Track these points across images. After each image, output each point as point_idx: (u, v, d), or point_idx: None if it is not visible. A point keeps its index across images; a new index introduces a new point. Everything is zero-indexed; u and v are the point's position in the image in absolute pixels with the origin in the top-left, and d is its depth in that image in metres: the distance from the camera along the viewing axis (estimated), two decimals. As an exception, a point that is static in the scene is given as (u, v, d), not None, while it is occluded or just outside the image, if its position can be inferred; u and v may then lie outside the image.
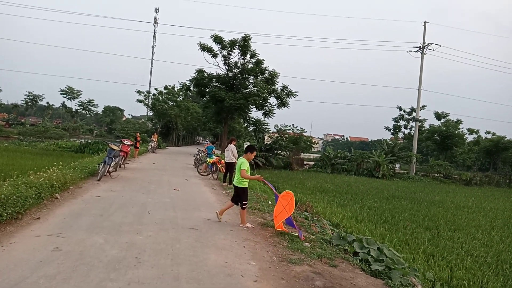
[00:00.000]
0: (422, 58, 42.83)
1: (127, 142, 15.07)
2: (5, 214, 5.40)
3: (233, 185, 7.29)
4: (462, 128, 48.65)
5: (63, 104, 60.56)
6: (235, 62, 31.21)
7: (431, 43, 42.60)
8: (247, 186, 7.14)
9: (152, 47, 57.43)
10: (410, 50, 43.87)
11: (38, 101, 65.34)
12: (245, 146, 7.73)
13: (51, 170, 8.75)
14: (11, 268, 3.95)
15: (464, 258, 8.03)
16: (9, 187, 6.22)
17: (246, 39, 29.84)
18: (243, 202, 6.98)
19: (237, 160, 13.91)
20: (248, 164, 7.08)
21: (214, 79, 32.16)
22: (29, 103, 65.05)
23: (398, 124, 51.62)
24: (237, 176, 7.08)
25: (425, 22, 43.44)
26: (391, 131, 52.61)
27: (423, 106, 45.59)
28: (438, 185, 32.56)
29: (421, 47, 42.87)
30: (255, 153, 7.35)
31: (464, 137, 49.21)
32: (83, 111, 65.23)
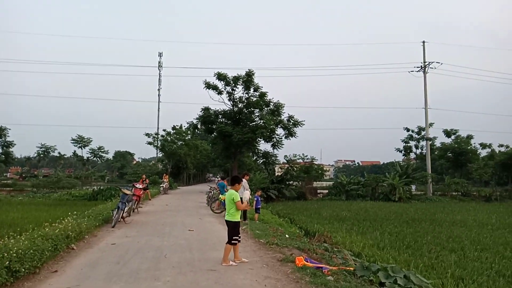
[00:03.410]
0: (425, 77, 43.09)
1: (139, 185, 15.09)
2: (23, 270, 5.34)
3: (225, 220, 6.77)
4: (474, 144, 48.00)
5: (74, 153, 61.55)
6: (240, 97, 31.76)
7: (432, 62, 42.95)
8: (239, 220, 6.81)
9: (158, 90, 58.73)
10: (411, 70, 44.20)
11: (51, 152, 66.55)
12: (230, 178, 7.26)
13: (66, 220, 8.75)
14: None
15: (496, 280, 7.68)
16: (26, 241, 6.19)
17: (249, 74, 30.51)
18: (234, 237, 6.54)
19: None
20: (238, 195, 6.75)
21: (221, 115, 32.63)
22: (41, 155, 66.28)
23: (409, 144, 51.18)
24: (230, 210, 6.63)
25: (423, 42, 44.13)
26: (402, 152, 52.09)
27: (431, 124, 45.29)
28: (457, 203, 31.73)
29: (422, 66, 43.24)
30: (241, 182, 7.08)
31: (478, 152, 48.38)
32: (94, 158, 66.04)
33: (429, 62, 42.96)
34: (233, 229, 6.60)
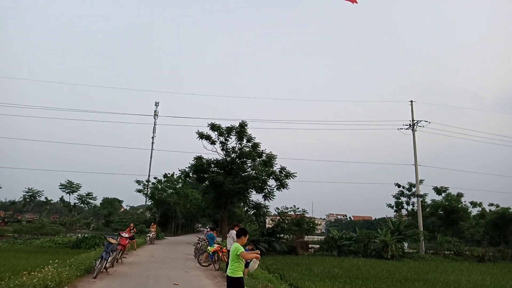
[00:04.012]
0: (414, 135, 44.03)
1: (125, 234, 14.66)
2: (-7, 323, 5.01)
3: (226, 275, 6.24)
4: (465, 202, 48.03)
5: (61, 199, 60.15)
6: (233, 147, 32.07)
7: (420, 120, 44.11)
8: (242, 276, 6.23)
9: (152, 138, 58.94)
10: (400, 128, 45.24)
11: (37, 197, 64.89)
12: (236, 230, 6.76)
13: (46, 269, 8.36)
14: None
15: None
16: (0, 291, 5.87)
17: (242, 125, 31.09)
18: None
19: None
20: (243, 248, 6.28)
21: (213, 164, 32.66)
22: (27, 199, 64.55)
23: (400, 200, 51.03)
24: (232, 265, 6.08)
25: (411, 101, 45.64)
26: (394, 208, 51.78)
27: (421, 181, 45.53)
28: (450, 263, 31.06)
29: (411, 124, 44.37)
30: (247, 236, 6.70)
31: (469, 211, 48.31)
32: (82, 205, 64.50)
33: (417, 121, 44.15)
34: (238, 285, 6.05)
